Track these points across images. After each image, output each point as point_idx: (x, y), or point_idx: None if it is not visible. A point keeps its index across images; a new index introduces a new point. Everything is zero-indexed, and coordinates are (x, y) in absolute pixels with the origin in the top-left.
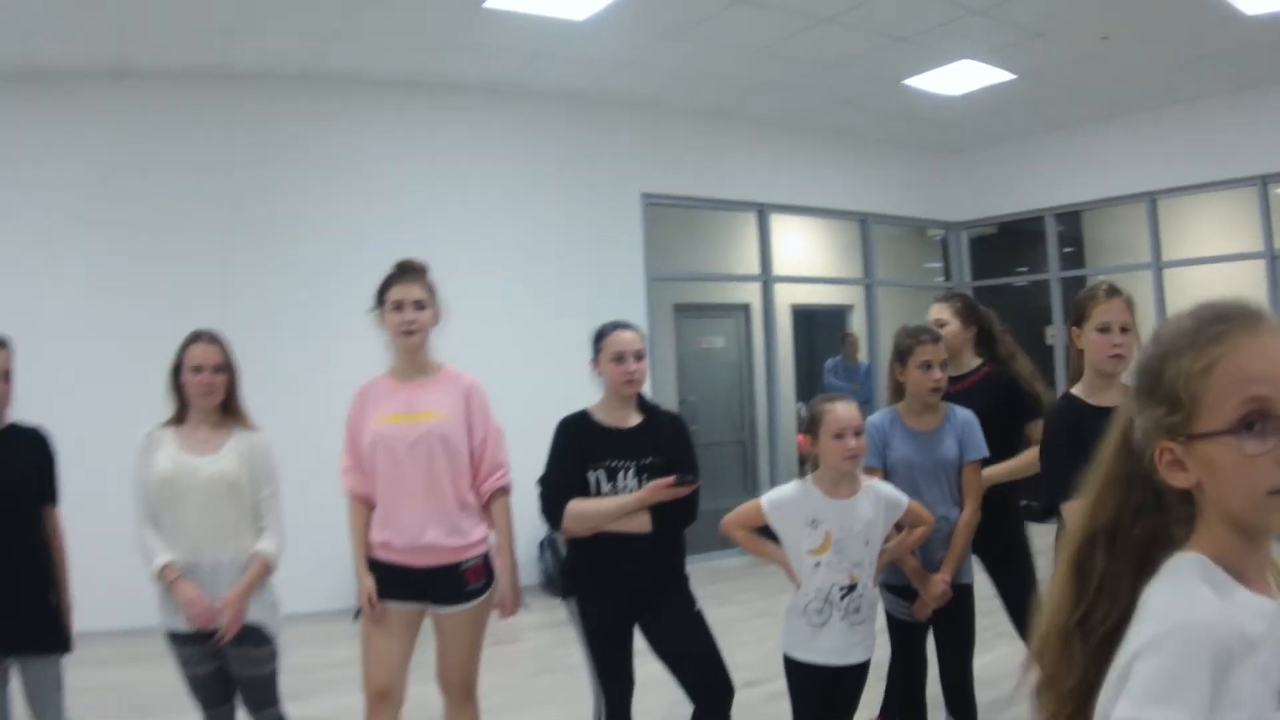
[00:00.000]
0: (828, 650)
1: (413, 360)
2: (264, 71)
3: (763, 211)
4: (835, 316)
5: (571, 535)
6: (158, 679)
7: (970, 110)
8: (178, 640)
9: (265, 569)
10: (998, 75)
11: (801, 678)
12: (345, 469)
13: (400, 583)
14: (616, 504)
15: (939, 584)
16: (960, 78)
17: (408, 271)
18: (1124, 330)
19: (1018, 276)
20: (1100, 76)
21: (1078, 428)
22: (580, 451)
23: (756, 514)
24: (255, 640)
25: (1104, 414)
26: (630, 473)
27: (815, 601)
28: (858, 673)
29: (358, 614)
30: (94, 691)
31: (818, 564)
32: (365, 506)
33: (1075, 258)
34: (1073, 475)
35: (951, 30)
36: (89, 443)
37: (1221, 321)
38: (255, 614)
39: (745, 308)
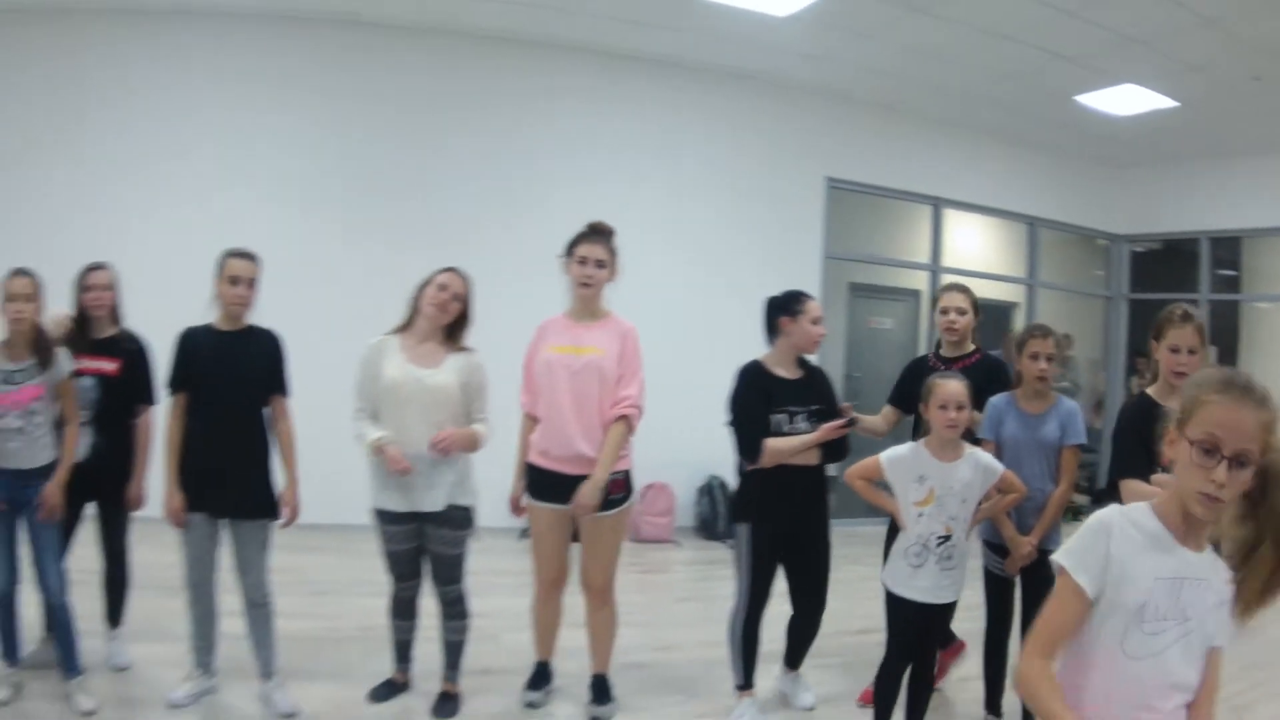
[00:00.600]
0: (921, 589)
1: (586, 307)
2: (487, 33)
3: (937, 206)
4: (999, 312)
5: (763, 466)
6: (333, 565)
7: (1137, 130)
8: (385, 517)
9: (477, 436)
10: (1161, 101)
11: (897, 609)
12: (523, 390)
13: (555, 487)
14: (800, 441)
15: (1026, 545)
16: (1126, 100)
17: (596, 232)
18: (1191, 352)
19: (1170, 293)
20: (1256, 112)
21: (1145, 421)
22: (762, 397)
23: (876, 468)
24: (455, 523)
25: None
26: (802, 417)
27: (915, 546)
28: (944, 611)
29: (523, 533)
30: (278, 571)
31: (920, 514)
32: (531, 422)
33: (1233, 282)
34: (1135, 460)
35: (1115, 55)
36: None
37: (1229, 385)
38: (460, 498)
39: (915, 293)
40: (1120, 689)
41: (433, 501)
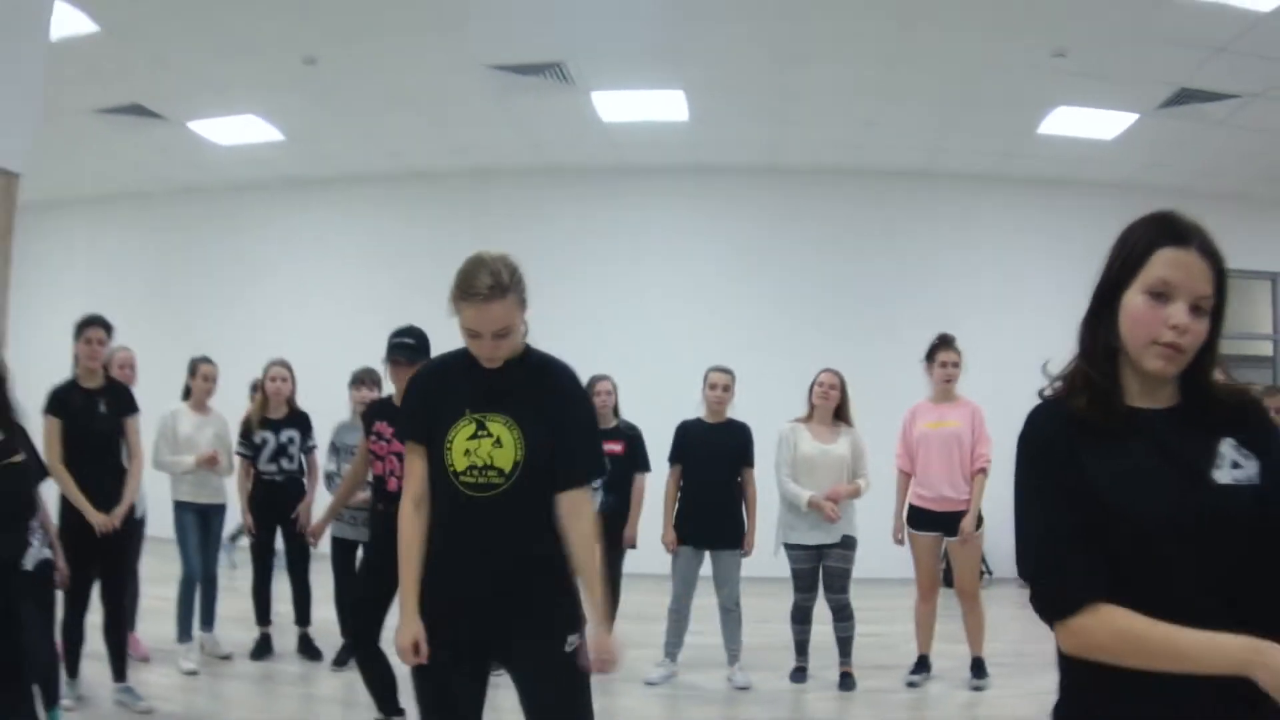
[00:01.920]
0: None
1: (949, 391)
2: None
3: (1275, 280)
4: None
5: None
6: None
7: None
8: (793, 549)
9: (859, 489)
10: None
11: None
12: (899, 455)
13: (928, 520)
14: None
15: None
16: None
17: (946, 343)
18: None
19: None
20: None
21: None
22: None
23: None
24: (847, 545)
25: None
26: None
27: None
28: None
29: None
30: None
31: None
32: (906, 478)
33: None
34: None
35: None
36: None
37: (1170, 227)
38: (849, 529)
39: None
40: None
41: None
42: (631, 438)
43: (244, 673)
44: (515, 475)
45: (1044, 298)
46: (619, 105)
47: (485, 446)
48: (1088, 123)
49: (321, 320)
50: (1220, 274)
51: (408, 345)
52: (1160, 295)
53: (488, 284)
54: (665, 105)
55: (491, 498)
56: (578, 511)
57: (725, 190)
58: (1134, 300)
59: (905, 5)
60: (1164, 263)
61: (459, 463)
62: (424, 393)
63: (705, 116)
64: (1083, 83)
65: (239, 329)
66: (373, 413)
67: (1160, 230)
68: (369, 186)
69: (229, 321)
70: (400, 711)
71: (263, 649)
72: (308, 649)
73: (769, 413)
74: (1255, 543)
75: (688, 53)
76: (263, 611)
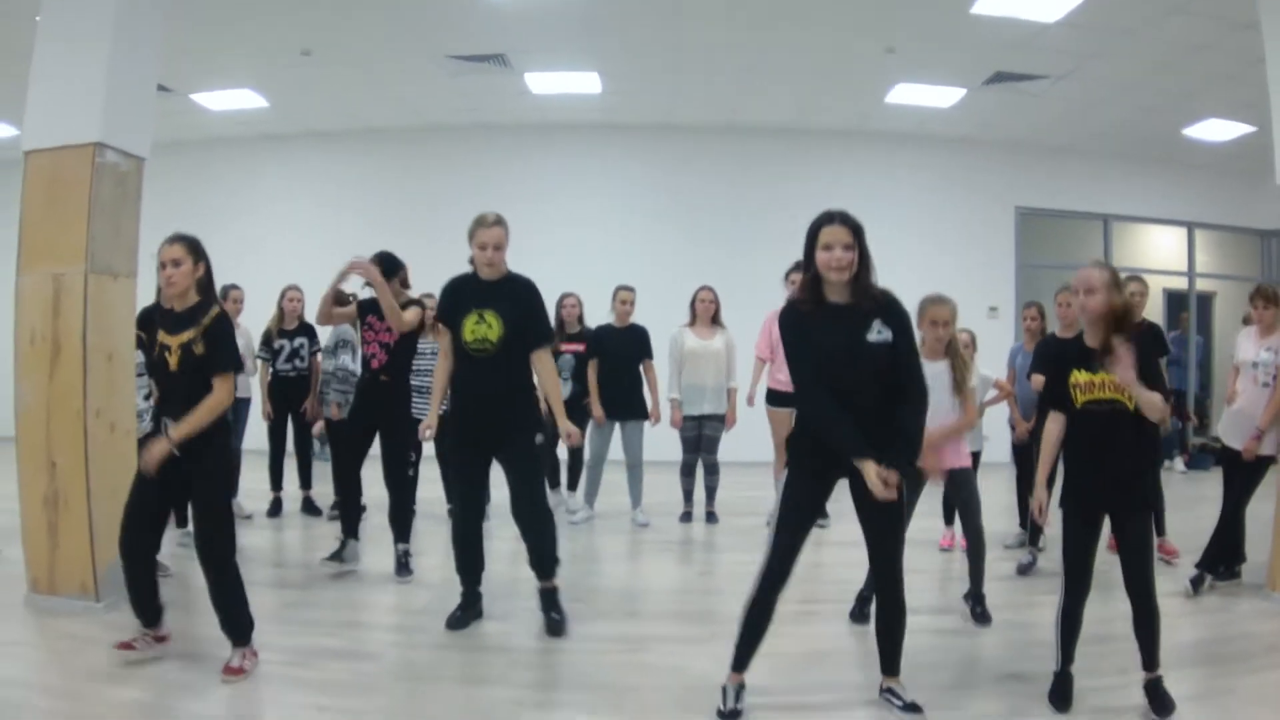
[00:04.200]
0: None
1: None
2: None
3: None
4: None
5: None
6: None
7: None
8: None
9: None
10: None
11: None
12: (758, 345)
13: (783, 399)
14: None
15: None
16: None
17: (799, 266)
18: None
19: None
20: None
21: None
22: None
23: None
24: (718, 419)
25: None
26: None
27: None
28: None
29: None
30: None
31: None
32: (762, 364)
33: None
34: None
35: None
36: None
37: (825, 216)
38: (719, 408)
39: None
40: None
41: None
42: (592, 339)
43: (262, 524)
44: (499, 343)
45: (891, 229)
46: (547, 82)
47: (482, 328)
48: (925, 95)
49: (300, 251)
50: (856, 230)
51: (387, 258)
52: (828, 247)
53: (494, 217)
54: (584, 83)
55: (486, 356)
56: (541, 360)
57: (631, 144)
58: (818, 252)
59: (765, 11)
60: (825, 233)
61: (468, 335)
62: (449, 295)
63: (614, 89)
64: (913, 68)
65: (232, 258)
66: (364, 309)
67: (821, 219)
68: (338, 141)
69: (225, 252)
70: (357, 537)
71: (275, 509)
72: (310, 508)
73: (669, 318)
74: (886, 368)
75: (602, 46)
76: (276, 479)
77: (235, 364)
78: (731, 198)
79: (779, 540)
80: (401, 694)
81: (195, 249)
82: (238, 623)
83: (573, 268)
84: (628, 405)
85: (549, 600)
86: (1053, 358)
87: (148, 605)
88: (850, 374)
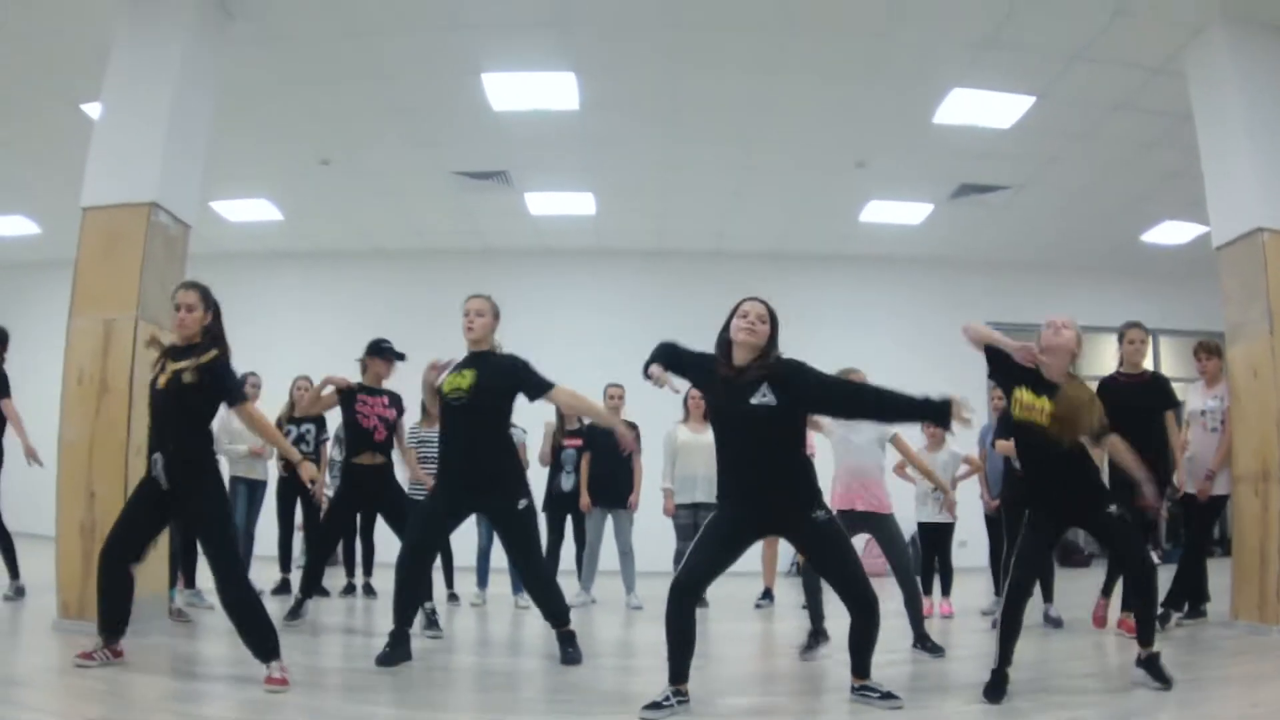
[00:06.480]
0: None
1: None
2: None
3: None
4: None
5: None
6: None
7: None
8: (679, 508)
9: None
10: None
11: None
12: None
13: None
14: None
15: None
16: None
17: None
18: None
19: None
20: None
21: None
22: None
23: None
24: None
25: None
26: None
27: None
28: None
29: None
30: None
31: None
32: None
33: None
34: None
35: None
36: None
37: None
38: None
39: None
40: None
41: None
42: (587, 434)
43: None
44: (470, 390)
45: (871, 346)
46: (545, 203)
47: (457, 379)
48: (896, 212)
49: (306, 360)
50: (773, 315)
51: (389, 348)
52: (744, 316)
53: (478, 293)
54: (579, 204)
55: (461, 403)
56: (554, 397)
57: (623, 268)
58: (734, 320)
59: (748, 134)
60: (745, 305)
61: (446, 389)
62: (445, 368)
63: (609, 209)
64: (884, 183)
65: (248, 361)
66: (352, 394)
67: (744, 299)
68: (348, 260)
69: (241, 355)
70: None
71: (283, 589)
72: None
73: (661, 416)
74: (770, 430)
75: (597, 169)
76: (284, 560)
77: (240, 395)
78: (719, 318)
79: (691, 556)
80: None
81: (206, 297)
82: (264, 643)
83: (569, 376)
84: (619, 496)
85: (565, 639)
86: (1004, 369)
87: (112, 619)
88: (740, 430)
